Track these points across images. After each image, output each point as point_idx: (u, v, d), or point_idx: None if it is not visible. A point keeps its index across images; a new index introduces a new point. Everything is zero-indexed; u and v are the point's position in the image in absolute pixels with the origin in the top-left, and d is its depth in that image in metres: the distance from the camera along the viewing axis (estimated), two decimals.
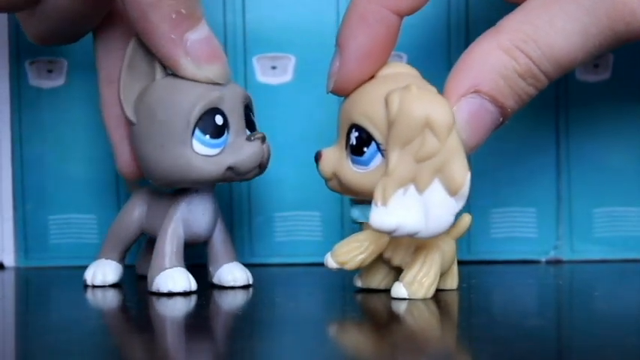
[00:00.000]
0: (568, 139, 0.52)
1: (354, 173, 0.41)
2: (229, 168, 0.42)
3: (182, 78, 0.42)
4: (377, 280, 0.43)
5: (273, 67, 0.52)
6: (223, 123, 0.42)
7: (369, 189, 0.39)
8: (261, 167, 0.43)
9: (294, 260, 0.53)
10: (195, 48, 0.42)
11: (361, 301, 0.41)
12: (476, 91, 0.39)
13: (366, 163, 0.40)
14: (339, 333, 0.36)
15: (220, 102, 0.42)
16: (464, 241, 0.50)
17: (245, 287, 0.45)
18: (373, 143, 0.40)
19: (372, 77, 0.41)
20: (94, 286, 0.46)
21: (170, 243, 0.43)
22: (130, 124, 0.44)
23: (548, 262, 0.52)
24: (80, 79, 0.53)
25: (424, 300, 0.41)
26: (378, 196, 0.38)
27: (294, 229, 0.53)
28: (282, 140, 0.51)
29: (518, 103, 0.40)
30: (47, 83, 0.53)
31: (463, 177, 0.38)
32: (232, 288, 0.44)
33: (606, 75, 0.52)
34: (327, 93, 0.42)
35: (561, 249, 0.52)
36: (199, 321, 0.38)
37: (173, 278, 0.43)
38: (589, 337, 0.34)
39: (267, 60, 0.52)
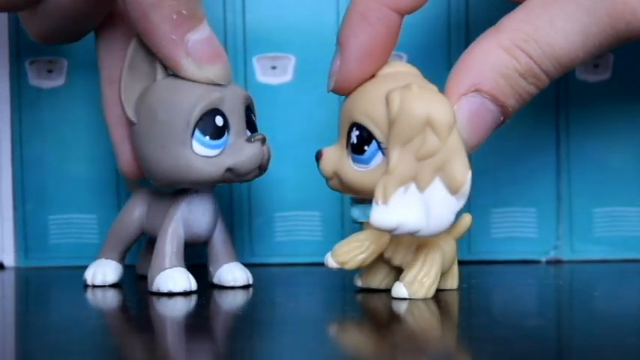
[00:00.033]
0: (568, 139, 0.52)
1: (354, 172, 0.41)
2: (229, 169, 0.42)
3: (183, 78, 0.42)
4: (377, 279, 0.43)
5: (273, 67, 0.52)
6: (223, 124, 0.42)
7: (370, 188, 0.39)
8: (261, 169, 0.43)
9: (294, 260, 0.53)
10: (196, 48, 0.42)
11: (361, 301, 0.41)
12: (476, 90, 0.39)
13: (366, 162, 0.40)
14: (339, 333, 0.36)
15: (221, 103, 0.42)
16: (464, 241, 0.50)
17: (245, 287, 0.45)
18: (374, 142, 0.40)
19: (372, 76, 0.41)
20: (94, 286, 0.46)
21: (170, 243, 0.43)
22: (130, 124, 0.44)
23: (549, 262, 0.52)
24: (80, 79, 0.53)
25: (425, 300, 0.41)
26: (378, 194, 0.38)
27: (294, 229, 0.53)
28: (282, 140, 0.51)
29: (518, 102, 0.40)
30: (47, 83, 0.53)
31: (464, 176, 0.38)
32: (232, 288, 0.44)
33: (606, 75, 0.52)
34: (328, 92, 0.42)
35: (561, 249, 0.52)
36: (199, 321, 0.38)
37: (173, 278, 0.43)
38: (589, 337, 0.34)
39: (267, 60, 0.52)
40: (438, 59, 0.52)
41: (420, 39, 0.52)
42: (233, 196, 0.53)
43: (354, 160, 0.41)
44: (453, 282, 0.43)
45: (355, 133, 0.40)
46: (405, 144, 0.38)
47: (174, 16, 0.41)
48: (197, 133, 0.42)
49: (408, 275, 0.41)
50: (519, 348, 0.32)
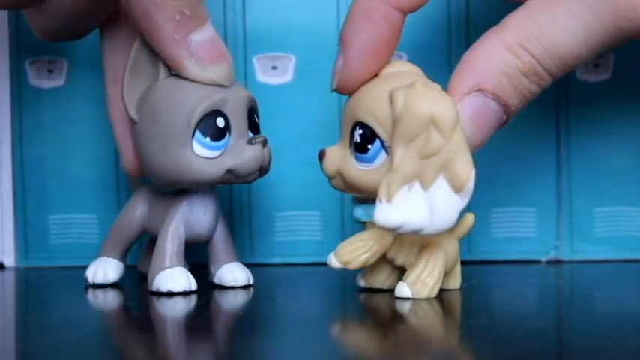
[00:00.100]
0: (568, 139, 0.52)
1: (358, 171, 0.41)
2: (229, 171, 0.42)
3: (186, 79, 0.42)
4: (380, 279, 0.43)
5: (274, 67, 0.52)
6: (225, 125, 0.42)
7: (374, 186, 0.39)
8: (262, 171, 0.43)
9: (295, 260, 0.53)
10: (199, 49, 0.42)
11: (364, 300, 0.41)
12: (479, 90, 0.39)
13: (370, 161, 0.40)
14: (341, 333, 0.36)
15: (223, 104, 0.42)
16: (464, 241, 0.50)
17: (245, 287, 0.45)
18: (377, 141, 0.40)
19: (375, 75, 0.41)
20: (94, 284, 0.46)
21: (171, 242, 0.43)
22: (133, 123, 0.43)
23: (549, 262, 0.52)
24: (80, 79, 0.53)
25: (428, 299, 0.41)
26: (382, 193, 0.38)
27: (294, 228, 0.53)
28: (282, 140, 0.51)
29: (521, 101, 0.40)
30: (47, 83, 0.53)
31: (468, 174, 0.38)
32: (233, 288, 0.44)
33: (607, 75, 0.52)
34: (332, 91, 0.42)
35: (561, 249, 0.52)
36: (200, 321, 0.38)
37: (173, 278, 0.43)
38: (589, 337, 0.34)
39: (267, 60, 0.52)
40: (439, 59, 0.52)
41: (420, 38, 0.52)
42: (233, 195, 0.53)
43: (358, 159, 0.41)
44: (455, 282, 0.43)
45: (359, 132, 0.40)
46: (409, 142, 0.38)
47: (177, 17, 0.41)
48: (197, 134, 0.42)
49: (412, 275, 0.41)
50: (519, 348, 0.32)
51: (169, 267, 0.43)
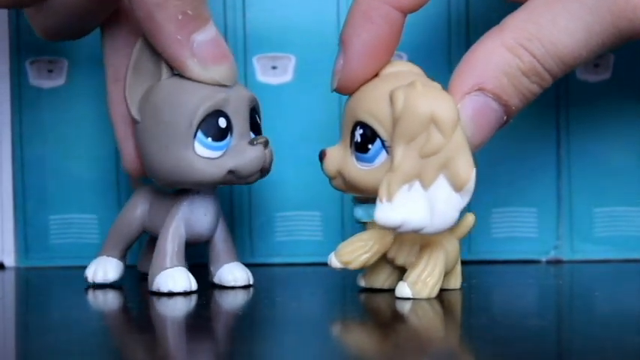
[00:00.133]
0: (569, 139, 0.52)
1: (358, 170, 0.41)
2: (230, 171, 0.42)
3: (188, 79, 0.42)
4: (380, 279, 0.43)
5: (274, 67, 0.52)
6: (227, 126, 0.42)
7: (374, 186, 0.39)
8: (263, 172, 0.43)
9: (295, 260, 0.53)
10: (201, 49, 0.42)
11: (364, 300, 0.41)
12: (480, 89, 0.39)
13: (370, 160, 0.40)
14: (342, 333, 0.36)
15: (225, 104, 0.42)
16: (464, 241, 0.50)
17: (246, 287, 0.45)
18: (378, 140, 0.40)
19: (375, 75, 0.41)
20: (94, 284, 0.46)
21: (171, 242, 0.43)
22: (134, 123, 0.43)
23: (549, 262, 0.52)
24: (80, 79, 0.53)
25: (428, 299, 0.41)
26: (382, 192, 0.38)
27: (294, 228, 0.53)
28: (282, 140, 0.51)
29: (522, 101, 0.40)
30: (47, 83, 0.53)
31: (468, 173, 0.38)
32: (233, 288, 0.44)
33: (607, 75, 0.52)
34: (332, 91, 0.42)
35: (562, 249, 0.52)
36: (200, 321, 0.38)
37: (173, 278, 0.43)
38: (589, 338, 0.34)
39: (267, 60, 0.52)
40: (439, 59, 0.52)
41: (420, 38, 0.52)
42: (234, 196, 0.53)
43: (358, 159, 0.41)
44: (456, 282, 0.43)
45: (359, 131, 0.40)
46: (409, 141, 0.38)
47: (180, 17, 0.41)
48: (199, 134, 0.42)
49: (412, 275, 0.41)
50: (519, 348, 0.32)
51: (170, 267, 0.43)
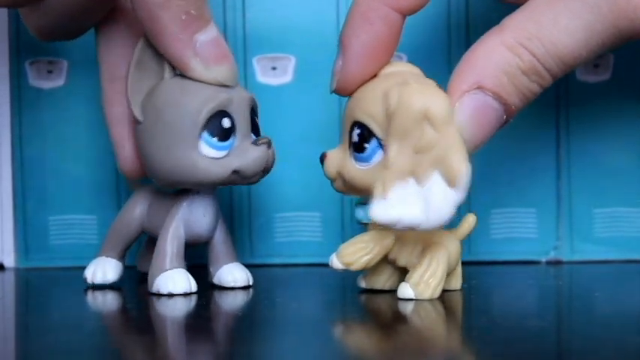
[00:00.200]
0: (568, 139, 0.52)
1: (357, 171, 0.41)
2: (235, 171, 0.42)
3: (190, 79, 0.42)
4: (381, 280, 0.43)
5: (274, 68, 0.52)
6: (231, 126, 0.42)
7: (371, 185, 0.39)
8: (265, 172, 0.43)
9: (295, 261, 0.53)
10: (204, 49, 0.41)
11: (365, 301, 0.41)
12: (479, 88, 0.39)
13: (367, 160, 0.40)
14: (343, 334, 0.36)
15: (228, 104, 0.42)
16: (464, 241, 0.50)
17: (245, 288, 0.45)
18: (374, 139, 0.40)
19: (374, 76, 0.41)
20: (94, 284, 0.46)
21: (171, 244, 0.43)
22: (136, 122, 0.43)
23: (549, 263, 0.52)
24: (80, 80, 0.53)
25: (431, 300, 0.41)
26: (378, 189, 0.38)
27: (294, 229, 0.53)
28: (282, 141, 0.51)
29: (522, 100, 0.40)
30: (47, 83, 0.53)
31: (462, 168, 0.38)
32: (232, 289, 0.44)
33: (606, 75, 0.52)
34: (331, 92, 0.42)
35: (561, 249, 0.52)
36: (200, 322, 0.38)
37: (173, 279, 0.43)
38: (589, 338, 0.34)
39: (267, 61, 0.52)
40: (438, 59, 0.52)
41: (420, 39, 0.52)
42: (233, 196, 0.53)
43: (356, 159, 0.41)
44: (456, 282, 0.43)
45: (356, 131, 0.40)
46: (403, 138, 0.38)
47: (183, 17, 0.41)
48: (205, 134, 0.42)
49: (414, 276, 0.41)
50: (519, 349, 0.32)
51: (170, 269, 0.43)
